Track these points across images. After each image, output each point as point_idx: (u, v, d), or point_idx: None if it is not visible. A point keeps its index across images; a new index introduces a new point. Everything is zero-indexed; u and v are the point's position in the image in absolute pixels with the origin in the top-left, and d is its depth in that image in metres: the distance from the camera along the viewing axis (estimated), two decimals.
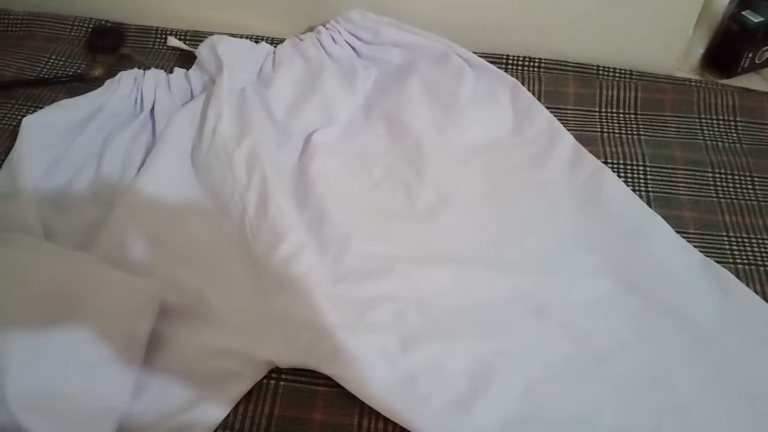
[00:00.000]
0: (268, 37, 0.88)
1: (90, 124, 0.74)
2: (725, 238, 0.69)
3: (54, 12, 0.93)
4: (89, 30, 0.91)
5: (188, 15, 0.91)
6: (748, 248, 0.68)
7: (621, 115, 0.81)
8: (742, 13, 0.86)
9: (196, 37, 0.88)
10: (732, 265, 0.67)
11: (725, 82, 0.87)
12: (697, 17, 0.83)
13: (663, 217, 0.69)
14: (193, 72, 0.81)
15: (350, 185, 0.72)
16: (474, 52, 0.82)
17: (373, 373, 0.57)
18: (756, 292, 0.64)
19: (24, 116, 0.72)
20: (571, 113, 0.81)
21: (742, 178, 0.75)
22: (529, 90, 0.80)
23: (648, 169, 0.75)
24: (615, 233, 0.68)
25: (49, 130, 0.72)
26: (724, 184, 0.74)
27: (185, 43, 0.88)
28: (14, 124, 0.77)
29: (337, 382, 0.58)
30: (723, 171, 0.75)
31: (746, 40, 0.86)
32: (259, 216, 0.67)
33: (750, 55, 0.87)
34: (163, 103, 0.77)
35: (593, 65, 0.86)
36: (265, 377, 0.59)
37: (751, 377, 0.59)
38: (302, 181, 0.71)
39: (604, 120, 0.81)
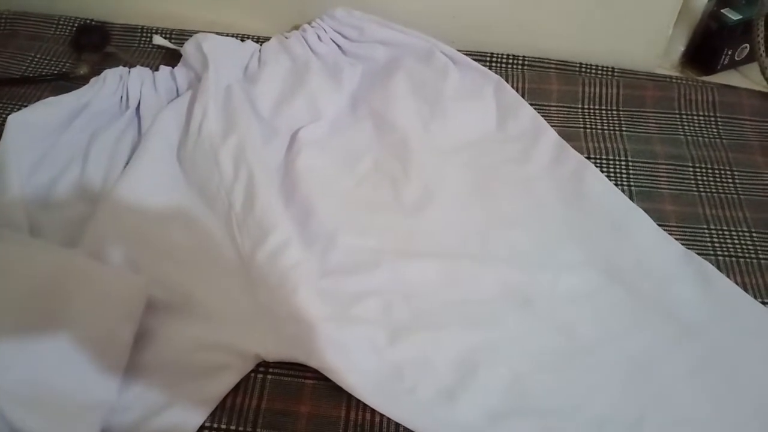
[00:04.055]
0: (253, 36, 0.88)
1: (75, 121, 0.74)
2: (706, 231, 0.70)
3: (38, 11, 0.93)
4: (74, 28, 0.91)
5: (174, 14, 0.91)
6: (728, 240, 0.69)
7: (603, 112, 0.82)
8: (721, 11, 0.87)
9: (182, 36, 0.88)
10: (713, 257, 0.68)
11: (705, 78, 0.88)
12: (677, 15, 0.84)
13: (645, 211, 0.70)
14: (179, 70, 0.80)
15: (337, 180, 0.72)
16: (458, 50, 0.83)
17: (359, 365, 0.58)
18: (736, 284, 0.65)
19: (9, 114, 0.72)
20: (554, 110, 0.82)
21: (722, 172, 0.76)
22: (512, 87, 0.81)
23: (630, 164, 0.76)
24: (598, 227, 0.69)
25: (34, 128, 0.72)
26: (705, 178, 0.75)
27: (171, 42, 0.88)
28: None
29: (324, 375, 0.58)
30: (703, 165, 0.76)
31: (725, 38, 0.87)
32: (245, 212, 0.67)
33: (729, 53, 0.88)
34: (149, 101, 0.77)
35: (575, 63, 0.87)
36: (252, 371, 0.59)
37: (733, 368, 0.60)
38: (289, 177, 0.72)
39: (586, 116, 0.81)
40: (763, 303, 0.64)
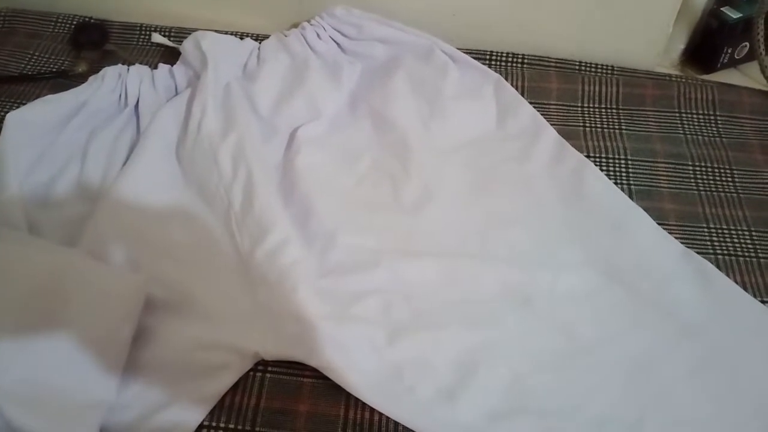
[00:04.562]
0: (253, 34, 0.87)
1: (74, 119, 0.74)
2: (705, 230, 0.70)
3: (37, 8, 0.93)
4: (73, 26, 0.91)
5: (173, 11, 0.91)
6: (728, 239, 0.69)
7: (603, 110, 0.82)
8: (721, 9, 0.87)
9: (181, 34, 0.88)
10: (712, 256, 0.68)
11: (705, 77, 0.88)
12: (677, 13, 0.84)
13: (644, 210, 0.70)
14: (178, 68, 0.80)
15: (336, 179, 0.72)
16: (458, 48, 0.83)
17: (359, 365, 0.58)
18: (736, 282, 0.65)
19: (7, 112, 0.72)
20: (553, 108, 0.81)
21: (722, 170, 0.76)
22: (512, 85, 0.81)
23: (629, 162, 0.76)
24: (598, 225, 0.69)
25: (33, 126, 0.71)
26: (704, 176, 0.75)
27: (170, 40, 0.88)
28: None
29: (323, 373, 0.58)
30: (703, 164, 0.76)
31: (725, 36, 0.87)
32: (244, 210, 0.67)
33: (729, 51, 0.88)
34: (148, 99, 0.77)
35: (575, 61, 0.86)
36: (251, 370, 0.59)
37: (733, 367, 0.60)
38: (288, 176, 0.72)
39: (586, 115, 0.81)
40: (763, 302, 0.64)
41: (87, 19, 0.92)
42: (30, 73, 0.85)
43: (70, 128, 0.74)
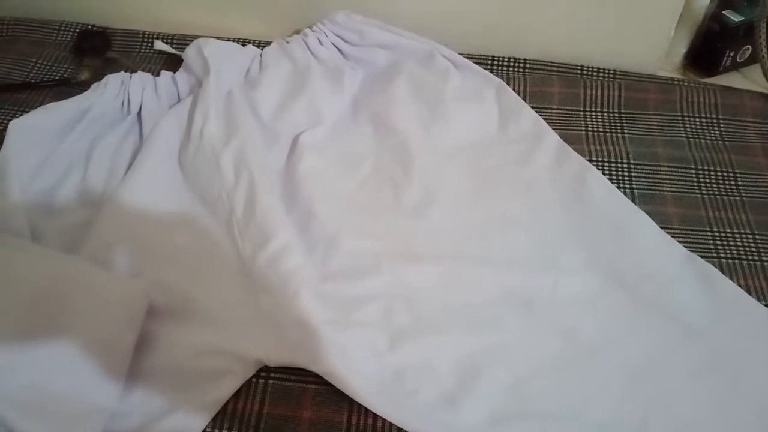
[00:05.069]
0: (255, 40, 0.88)
1: (77, 126, 0.74)
2: (709, 233, 0.70)
3: (40, 16, 0.93)
4: (76, 34, 0.91)
5: (175, 19, 0.91)
6: (731, 243, 0.69)
7: (605, 114, 0.82)
8: (723, 12, 0.87)
9: (183, 41, 0.88)
10: (716, 260, 0.67)
11: (707, 80, 0.88)
12: (678, 17, 0.84)
13: (647, 214, 0.70)
14: (180, 75, 0.81)
15: (338, 184, 0.72)
16: (459, 53, 0.83)
17: (361, 370, 0.58)
18: (740, 286, 0.65)
19: (10, 120, 0.72)
20: (555, 113, 0.81)
21: (725, 174, 0.75)
22: (514, 90, 0.81)
23: (632, 166, 0.76)
24: (600, 230, 0.69)
25: (36, 133, 0.72)
26: (707, 180, 0.75)
27: (172, 47, 0.88)
28: (1, 128, 0.77)
29: (326, 379, 0.58)
30: (706, 167, 0.76)
31: (727, 40, 0.87)
32: (246, 216, 0.67)
33: (731, 54, 0.88)
34: (150, 106, 0.77)
35: (577, 65, 0.86)
36: (254, 376, 0.59)
37: (736, 370, 0.60)
38: (290, 181, 0.72)
39: (588, 119, 0.81)
40: (766, 305, 0.64)
41: (90, 27, 0.92)
42: (33, 80, 0.85)
43: (72, 135, 0.74)
